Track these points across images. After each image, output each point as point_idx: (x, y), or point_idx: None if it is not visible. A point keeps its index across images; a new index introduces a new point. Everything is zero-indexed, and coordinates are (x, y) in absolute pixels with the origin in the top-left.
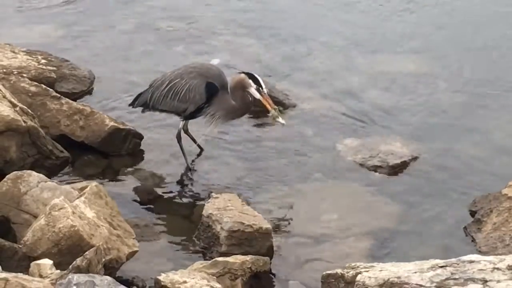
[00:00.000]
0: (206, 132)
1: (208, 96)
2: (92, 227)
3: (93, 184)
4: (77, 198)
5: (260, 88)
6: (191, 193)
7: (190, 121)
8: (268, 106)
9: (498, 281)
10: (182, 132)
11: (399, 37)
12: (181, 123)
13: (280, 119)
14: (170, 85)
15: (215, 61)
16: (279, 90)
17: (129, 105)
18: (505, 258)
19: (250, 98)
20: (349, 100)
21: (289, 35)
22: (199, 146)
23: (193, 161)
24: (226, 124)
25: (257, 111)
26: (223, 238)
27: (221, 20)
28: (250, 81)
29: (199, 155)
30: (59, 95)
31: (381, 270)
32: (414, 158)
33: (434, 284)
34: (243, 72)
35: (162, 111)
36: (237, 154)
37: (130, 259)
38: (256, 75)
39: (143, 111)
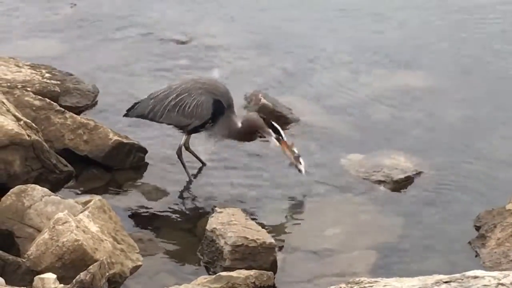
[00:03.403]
0: (208, 147)
1: (214, 113)
2: (96, 241)
3: (97, 198)
4: (81, 212)
5: (280, 137)
6: (194, 208)
7: (193, 136)
8: (288, 152)
9: None
10: (183, 148)
11: (402, 52)
12: (183, 138)
13: (301, 167)
14: (177, 100)
15: (215, 73)
16: (283, 104)
17: (124, 115)
18: (510, 274)
19: (257, 137)
20: (353, 114)
21: (293, 49)
22: (201, 160)
23: (196, 175)
24: (226, 141)
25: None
26: (226, 253)
27: (224, 33)
28: (270, 130)
29: (201, 169)
30: (63, 109)
31: (385, 285)
32: (418, 173)
33: None
34: (263, 118)
35: (162, 123)
36: (240, 168)
37: (133, 273)
38: (275, 124)
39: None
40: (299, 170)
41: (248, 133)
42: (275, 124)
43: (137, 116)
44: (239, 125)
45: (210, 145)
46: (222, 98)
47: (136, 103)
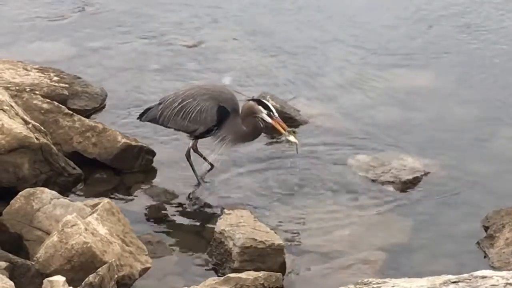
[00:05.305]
0: (218, 153)
1: (219, 119)
2: (105, 243)
3: (105, 201)
4: (90, 215)
5: (271, 113)
6: (203, 210)
7: (202, 140)
8: (280, 129)
9: None
10: (191, 151)
11: (410, 52)
12: (191, 142)
13: (292, 139)
14: (182, 104)
15: (226, 80)
16: (291, 106)
17: (137, 118)
18: None
19: (261, 124)
20: (360, 115)
21: (300, 51)
22: (209, 163)
23: (204, 177)
24: (235, 147)
25: (270, 128)
26: (235, 254)
27: (233, 37)
28: (260, 107)
29: (209, 171)
30: (71, 112)
31: (393, 286)
32: (426, 174)
33: None
34: (252, 99)
35: (171, 128)
36: (249, 170)
37: (142, 275)
38: (265, 101)
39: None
40: (294, 142)
41: (250, 124)
42: (265, 101)
43: (150, 121)
44: (244, 128)
45: (216, 156)
46: (226, 103)
47: (147, 109)
